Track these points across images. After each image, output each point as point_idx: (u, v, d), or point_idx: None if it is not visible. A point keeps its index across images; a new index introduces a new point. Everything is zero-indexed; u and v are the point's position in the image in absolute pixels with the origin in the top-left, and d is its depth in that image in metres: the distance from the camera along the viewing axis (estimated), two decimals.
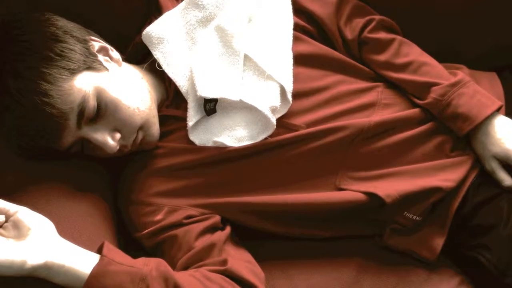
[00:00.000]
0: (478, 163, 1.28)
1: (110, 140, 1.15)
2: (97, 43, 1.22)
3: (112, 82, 1.17)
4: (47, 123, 1.10)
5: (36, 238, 0.99)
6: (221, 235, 1.20)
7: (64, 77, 1.11)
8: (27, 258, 0.96)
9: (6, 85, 1.10)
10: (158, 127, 1.24)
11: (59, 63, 1.12)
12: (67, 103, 1.10)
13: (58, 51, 1.13)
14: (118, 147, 1.17)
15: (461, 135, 1.27)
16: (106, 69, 1.19)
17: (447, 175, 1.24)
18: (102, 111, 1.15)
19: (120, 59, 1.25)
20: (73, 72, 1.13)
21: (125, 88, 1.19)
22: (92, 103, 1.12)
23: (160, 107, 1.28)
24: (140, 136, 1.20)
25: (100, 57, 1.20)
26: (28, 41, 1.13)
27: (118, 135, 1.16)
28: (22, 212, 1.01)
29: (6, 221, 1.00)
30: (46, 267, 0.98)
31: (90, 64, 1.16)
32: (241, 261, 1.18)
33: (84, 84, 1.13)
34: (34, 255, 0.97)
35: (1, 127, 1.14)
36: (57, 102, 1.10)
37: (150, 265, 1.06)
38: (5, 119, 1.12)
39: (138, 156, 1.26)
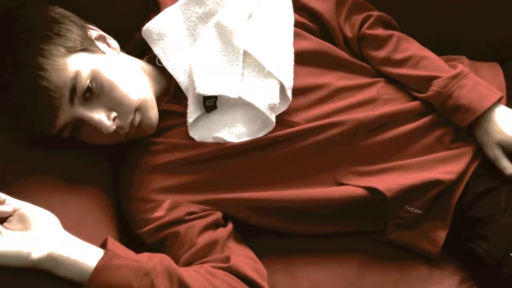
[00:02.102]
0: (479, 153, 1.27)
1: (106, 119, 1.14)
2: (95, 32, 1.23)
3: (109, 65, 1.17)
4: (42, 99, 1.09)
5: (42, 230, 0.99)
6: (223, 232, 1.20)
7: (60, 53, 1.11)
8: (33, 249, 0.96)
9: (3, 62, 1.10)
10: (156, 112, 1.22)
11: (56, 40, 1.12)
12: (61, 78, 1.10)
13: (56, 30, 1.14)
14: (114, 127, 1.14)
15: (463, 126, 1.26)
16: (103, 52, 1.19)
17: (447, 167, 1.24)
18: (98, 90, 1.13)
19: (118, 47, 1.25)
20: (69, 50, 1.13)
21: (122, 71, 1.19)
22: (85, 80, 1.12)
23: (161, 101, 1.27)
24: (138, 118, 1.18)
25: (98, 43, 1.21)
26: (27, 22, 1.14)
27: (114, 114, 1.15)
28: (26, 207, 1.01)
29: (11, 215, 1.00)
30: (52, 258, 0.98)
31: (87, 46, 1.16)
32: (244, 258, 1.18)
33: (79, 63, 1.13)
34: (39, 246, 0.97)
35: (2, 109, 1.14)
36: (52, 76, 1.09)
37: (154, 260, 1.05)
38: (4, 98, 1.12)
39: (138, 151, 1.26)
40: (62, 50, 1.12)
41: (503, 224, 1.19)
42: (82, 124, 1.15)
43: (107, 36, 1.24)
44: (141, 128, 1.20)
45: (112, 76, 1.15)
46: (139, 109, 1.18)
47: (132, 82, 1.19)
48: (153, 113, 1.21)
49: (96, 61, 1.15)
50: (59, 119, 1.12)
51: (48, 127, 1.13)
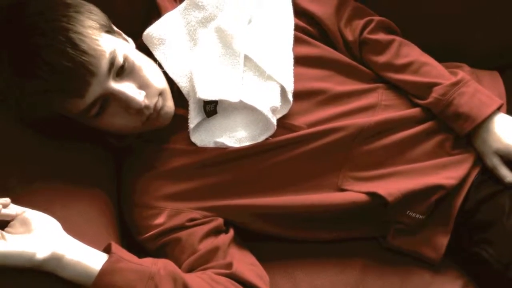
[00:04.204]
0: (479, 160, 1.28)
1: (138, 94, 1.15)
2: (114, 27, 1.23)
3: (135, 52, 1.19)
4: (80, 62, 1.08)
5: (44, 232, 0.99)
6: (225, 238, 1.20)
7: (95, 27, 1.13)
8: (37, 249, 0.96)
9: (37, 27, 1.09)
10: (173, 103, 1.23)
11: (89, 16, 1.14)
12: (100, 47, 1.11)
13: (87, 8, 1.15)
14: (144, 104, 1.15)
15: (463, 134, 1.27)
16: (127, 41, 1.22)
17: (449, 173, 1.24)
18: (130, 69, 1.15)
19: (134, 45, 1.26)
20: (101, 27, 1.15)
21: (145, 60, 1.20)
22: (120, 57, 1.13)
23: None
24: (160, 102, 1.19)
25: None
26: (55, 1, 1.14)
27: (144, 92, 1.16)
28: (28, 212, 1.01)
29: (13, 220, 1.00)
30: (56, 258, 0.97)
31: (113, 31, 1.19)
32: (246, 264, 1.18)
33: (112, 42, 1.14)
34: (43, 247, 0.97)
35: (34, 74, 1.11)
36: (92, 43, 1.10)
37: (158, 265, 1.05)
38: (38, 61, 1.08)
39: (141, 157, 1.26)
40: (96, 25, 1.13)
41: (508, 227, 1.19)
42: (108, 101, 1.15)
43: (122, 33, 1.25)
44: (160, 115, 1.20)
45: (139, 61, 1.17)
46: (162, 93, 1.19)
47: (155, 71, 1.21)
48: (171, 103, 1.22)
49: (124, 46, 1.17)
50: (91, 88, 1.11)
51: (79, 93, 1.11)
